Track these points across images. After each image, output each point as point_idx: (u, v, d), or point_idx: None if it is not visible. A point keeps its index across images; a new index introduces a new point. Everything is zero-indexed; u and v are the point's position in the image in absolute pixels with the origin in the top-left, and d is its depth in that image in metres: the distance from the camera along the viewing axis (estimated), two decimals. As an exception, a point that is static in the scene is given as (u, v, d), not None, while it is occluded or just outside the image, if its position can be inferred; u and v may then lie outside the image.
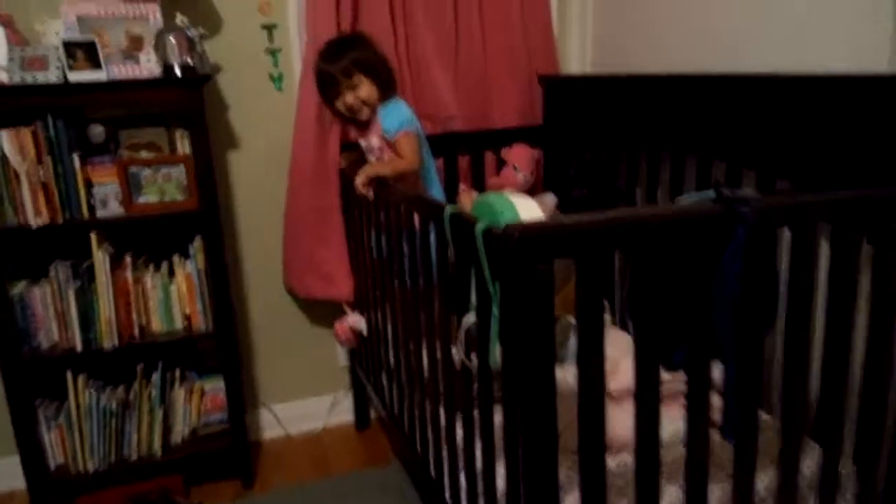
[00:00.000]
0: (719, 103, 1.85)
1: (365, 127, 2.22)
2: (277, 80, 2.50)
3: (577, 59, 2.80)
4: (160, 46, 2.10)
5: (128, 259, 2.25)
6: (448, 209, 1.39)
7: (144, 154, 2.25)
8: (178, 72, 2.11)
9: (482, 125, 2.69)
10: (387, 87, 2.15)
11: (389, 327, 2.10)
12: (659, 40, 2.33)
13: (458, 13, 2.57)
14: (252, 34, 2.44)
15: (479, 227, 1.17)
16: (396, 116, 2.11)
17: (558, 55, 2.77)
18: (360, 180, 2.04)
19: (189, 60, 2.14)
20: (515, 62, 2.68)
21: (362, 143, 2.26)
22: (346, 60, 2.08)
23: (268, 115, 2.52)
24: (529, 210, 1.15)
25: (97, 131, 2.29)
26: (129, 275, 2.25)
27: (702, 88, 1.94)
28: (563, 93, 2.66)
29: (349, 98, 2.11)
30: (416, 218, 1.71)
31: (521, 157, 2.67)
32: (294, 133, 2.46)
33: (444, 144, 2.59)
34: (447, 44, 2.58)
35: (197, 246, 2.28)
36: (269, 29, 2.45)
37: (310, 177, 2.46)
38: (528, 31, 2.67)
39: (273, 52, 2.47)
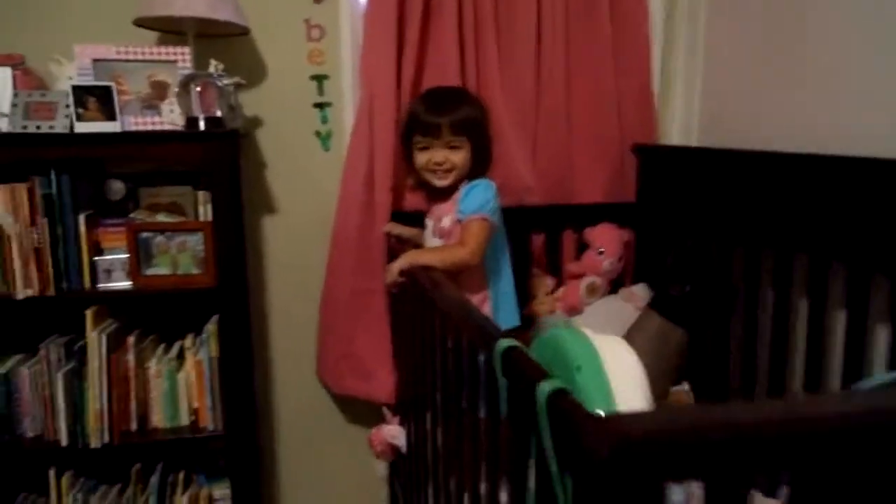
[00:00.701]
0: (865, 190, 1.37)
1: (438, 198, 1.82)
2: (325, 138, 2.16)
3: (680, 129, 2.34)
4: (184, 95, 1.78)
5: (131, 339, 1.90)
6: (501, 344, 0.95)
7: (163, 217, 1.92)
8: (201, 125, 1.79)
9: (563, 199, 2.26)
10: (482, 163, 1.78)
11: (430, 452, 1.65)
12: (785, 111, 1.86)
13: (540, 74, 2.19)
14: (300, 85, 2.12)
15: (544, 388, 0.72)
16: (481, 197, 1.70)
17: (658, 125, 2.33)
18: (396, 266, 1.65)
19: (218, 112, 1.82)
20: (605, 129, 2.26)
21: (429, 221, 1.86)
22: (459, 115, 1.71)
23: (311, 178, 2.18)
24: (630, 390, 0.70)
25: (116, 187, 2.00)
26: (130, 357, 1.90)
27: (841, 170, 1.45)
28: (663, 166, 2.21)
29: (439, 155, 1.73)
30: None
31: (607, 239, 2.22)
32: (339, 199, 2.10)
33: (516, 219, 2.17)
34: (526, 104, 2.19)
35: (210, 329, 1.91)
36: (320, 80, 2.12)
37: (353, 252, 2.08)
38: (622, 96, 2.25)
39: (322, 107, 2.14)
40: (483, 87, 2.13)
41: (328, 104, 2.14)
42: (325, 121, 2.14)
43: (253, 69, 2.07)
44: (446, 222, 1.76)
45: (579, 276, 2.21)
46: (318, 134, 2.15)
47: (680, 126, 2.33)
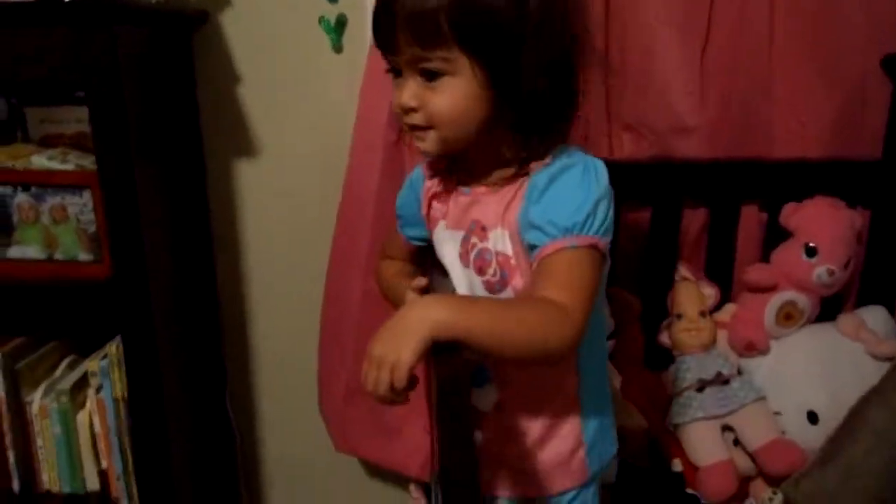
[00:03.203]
0: None
1: (470, 175, 0.86)
2: (334, 28, 1.27)
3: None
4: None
5: (-2, 357, 1.16)
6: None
7: (53, 160, 1.12)
8: (65, -9, 0.95)
9: (744, 153, 1.28)
10: (531, 115, 0.78)
11: None
12: None
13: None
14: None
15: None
16: (580, 197, 0.76)
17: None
18: (405, 360, 0.65)
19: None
20: (836, 29, 1.23)
21: (447, 231, 0.89)
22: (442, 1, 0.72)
23: (311, 97, 1.31)
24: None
25: (-7, 105, 1.23)
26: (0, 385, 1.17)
27: None
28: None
29: (405, 93, 0.78)
30: None
31: (823, 227, 1.25)
32: (352, 142, 1.24)
33: (655, 182, 1.26)
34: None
35: (113, 352, 1.13)
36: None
37: (368, 231, 1.23)
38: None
39: (328, -26, 1.24)
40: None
41: (339, -31, 1.24)
42: (333, -2, 1.25)
43: None
44: (495, 240, 0.83)
45: (767, 290, 1.25)
46: (323, 21, 1.26)
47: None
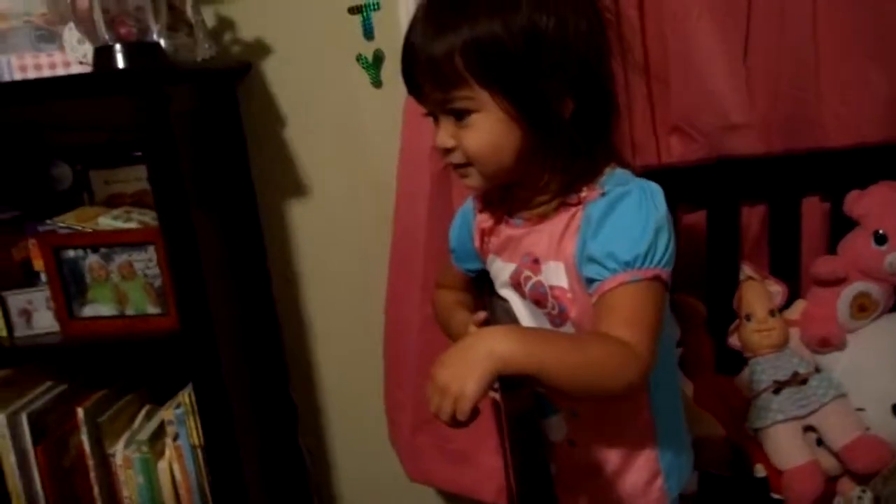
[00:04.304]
0: None
1: (522, 205, 0.85)
2: (372, 65, 1.29)
3: None
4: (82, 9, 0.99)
5: (80, 413, 1.21)
6: None
7: (116, 220, 1.17)
8: (119, 61, 0.99)
9: (802, 144, 1.24)
10: (564, 144, 0.77)
11: None
12: None
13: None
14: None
15: None
16: (638, 227, 0.73)
17: None
18: (469, 394, 0.64)
19: (154, 35, 1.02)
20: (878, 11, 1.18)
21: (500, 262, 0.89)
22: (450, 40, 0.73)
23: (355, 133, 1.33)
24: None
25: (60, 172, 1.29)
26: (85, 439, 1.21)
27: None
28: None
29: (441, 135, 0.79)
30: None
31: (890, 212, 1.20)
32: (398, 176, 1.25)
33: (712, 181, 1.25)
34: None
35: (185, 401, 1.16)
36: (358, -34, 1.25)
37: (422, 258, 1.24)
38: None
39: (362, 10, 1.26)
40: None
41: (373, 5, 1.26)
42: (369, 34, 1.27)
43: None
44: (549, 274, 0.81)
45: (837, 282, 1.21)
46: (361, 59, 1.29)
47: None
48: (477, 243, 0.92)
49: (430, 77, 0.75)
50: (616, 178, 0.78)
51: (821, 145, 1.24)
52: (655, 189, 0.76)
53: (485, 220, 0.90)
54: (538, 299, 0.83)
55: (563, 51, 0.73)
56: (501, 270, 0.88)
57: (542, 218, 0.82)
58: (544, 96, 0.74)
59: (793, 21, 1.19)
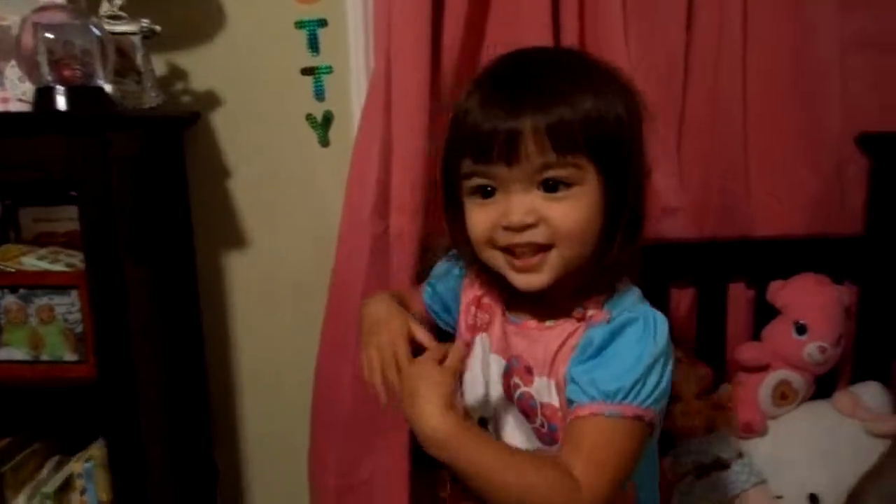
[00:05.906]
0: None
1: (525, 304, 0.79)
2: (321, 125, 1.31)
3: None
4: (25, 49, 0.99)
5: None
6: None
7: (42, 261, 1.14)
8: (60, 102, 0.98)
9: (730, 231, 1.29)
10: (626, 238, 0.74)
11: None
12: None
13: (694, 21, 1.24)
14: (279, 37, 1.28)
15: None
16: (630, 359, 0.69)
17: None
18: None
19: (99, 80, 1.01)
20: (811, 108, 1.26)
21: (485, 345, 0.84)
22: (569, 111, 0.69)
23: (301, 193, 1.34)
24: None
25: (-11, 209, 1.25)
26: (-17, 491, 1.14)
27: None
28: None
29: (520, 206, 0.71)
30: None
31: (812, 305, 1.25)
32: (340, 229, 1.25)
33: (648, 264, 1.26)
34: (671, 72, 1.25)
35: (96, 455, 1.11)
36: (311, 28, 1.27)
37: (357, 314, 1.23)
38: (847, 47, 1.25)
39: (315, 73, 1.29)
40: (594, 46, 1.22)
41: (325, 69, 1.28)
42: (320, 96, 1.29)
43: (201, 15, 1.26)
44: (540, 389, 0.76)
45: (760, 369, 1.24)
46: (310, 119, 1.30)
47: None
48: (462, 313, 0.87)
49: (549, 139, 0.68)
50: (625, 303, 0.74)
51: (748, 234, 1.29)
52: (660, 321, 0.72)
53: (477, 298, 0.85)
54: (526, 411, 0.78)
55: (640, 137, 0.74)
56: (489, 359, 0.82)
57: (540, 324, 0.78)
58: (628, 178, 0.72)
59: (724, 112, 1.26)
